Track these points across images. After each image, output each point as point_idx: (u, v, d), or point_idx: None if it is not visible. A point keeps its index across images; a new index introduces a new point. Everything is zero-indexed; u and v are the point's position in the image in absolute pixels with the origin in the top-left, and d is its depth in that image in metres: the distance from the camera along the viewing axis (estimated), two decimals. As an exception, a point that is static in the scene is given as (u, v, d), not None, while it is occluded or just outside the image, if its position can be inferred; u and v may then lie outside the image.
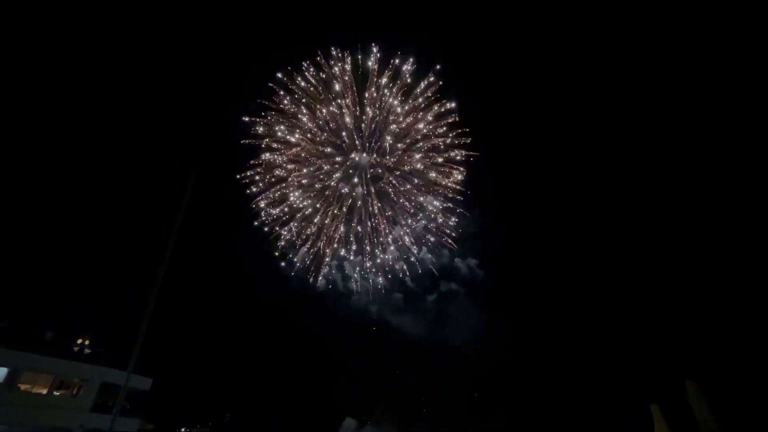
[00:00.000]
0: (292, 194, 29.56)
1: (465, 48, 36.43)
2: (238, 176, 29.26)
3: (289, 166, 30.08)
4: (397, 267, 31.25)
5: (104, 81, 27.67)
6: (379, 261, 30.93)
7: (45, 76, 26.49)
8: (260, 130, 30.00)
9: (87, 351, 25.09)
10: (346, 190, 30.38)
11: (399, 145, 30.81)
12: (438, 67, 31.95)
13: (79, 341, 25.19)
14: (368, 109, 30.80)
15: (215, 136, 28.31)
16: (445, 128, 31.44)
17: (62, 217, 25.07)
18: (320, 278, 29.01)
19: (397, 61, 30.88)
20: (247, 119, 29.78)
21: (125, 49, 27.94)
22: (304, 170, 29.95)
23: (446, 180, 31.38)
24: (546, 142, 34.32)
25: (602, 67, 32.25)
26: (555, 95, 35.16)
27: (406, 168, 31.28)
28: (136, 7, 28.17)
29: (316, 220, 29.77)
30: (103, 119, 26.91)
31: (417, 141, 31.22)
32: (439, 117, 31.43)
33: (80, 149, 25.91)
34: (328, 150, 30.30)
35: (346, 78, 31.06)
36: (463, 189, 31.66)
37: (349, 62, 31.03)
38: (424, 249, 31.37)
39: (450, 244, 31.40)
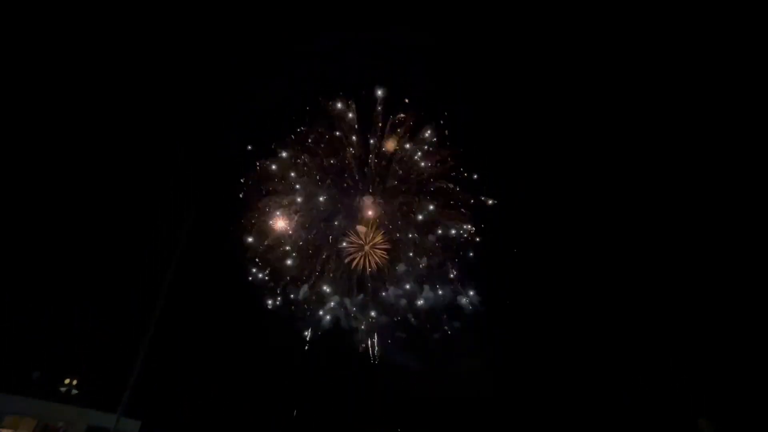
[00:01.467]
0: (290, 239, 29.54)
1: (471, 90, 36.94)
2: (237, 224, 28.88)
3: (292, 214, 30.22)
4: (400, 305, 30.84)
5: (111, 96, 27.94)
6: (382, 299, 30.64)
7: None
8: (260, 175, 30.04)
9: (74, 392, 24.11)
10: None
11: (403, 189, 31.32)
12: (446, 113, 32.80)
13: (67, 381, 24.23)
14: (372, 153, 31.37)
15: (215, 178, 28.23)
16: (450, 173, 32.03)
17: (52, 252, 24.68)
18: (323, 315, 28.62)
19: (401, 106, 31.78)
20: (243, 180, 29.64)
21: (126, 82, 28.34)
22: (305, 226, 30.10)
23: (455, 225, 31.62)
24: (551, 176, 34.42)
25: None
26: (556, 129, 35.47)
27: (412, 212, 31.56)
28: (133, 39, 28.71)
29: (318, 260, 29.70)
30: (99, 153, 26.95)
31: (422, 184, 31.71)
32: (443, 162, 32.03)
33: (70, 188, 25.83)
34: (331, 193, 30.57)
35: (350, 121, 31.75)
36: (471, 233, 31.77)
37: (354, 108, 31.82)
38: (426, 287, 31.09)
39: (457, 282, 31.28)
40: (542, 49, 34.27)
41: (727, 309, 28.46)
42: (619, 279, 30.13)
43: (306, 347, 26.87)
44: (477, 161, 34.35)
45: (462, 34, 35.23)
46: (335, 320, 29.15)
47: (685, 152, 31.06)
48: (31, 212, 25.37)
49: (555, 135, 34.49)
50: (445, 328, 30.61)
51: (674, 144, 31.58)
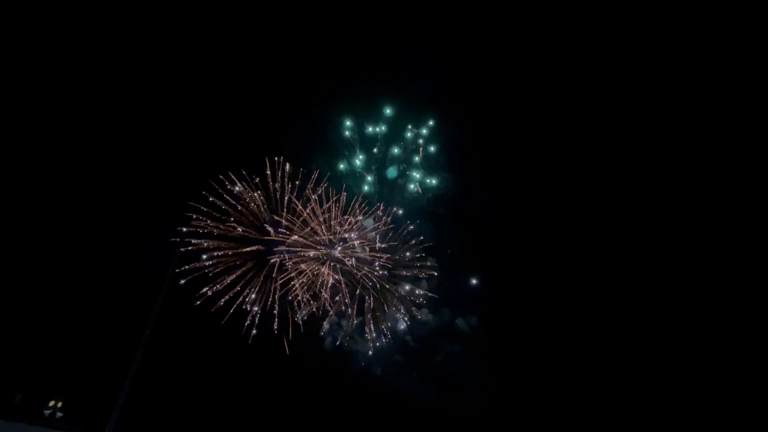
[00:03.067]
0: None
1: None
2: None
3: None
4: (399, 329, 30.18)
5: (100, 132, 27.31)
6: (380, 325, 29.95)
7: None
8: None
9: (59, 414, 23.26)
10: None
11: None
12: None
13: (52, 404, 23.35)
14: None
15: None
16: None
17: (37, 269, 23.94)
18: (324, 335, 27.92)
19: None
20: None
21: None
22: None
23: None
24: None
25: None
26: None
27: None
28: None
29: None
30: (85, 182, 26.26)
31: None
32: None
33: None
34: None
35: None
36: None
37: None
38: (425, 310, 30.46)
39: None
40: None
41: (727, 317, 28.27)
42: (623, 299, 29.84)
43: (303, 370, 26.22)
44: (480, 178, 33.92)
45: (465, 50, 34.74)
46: (334, 342, 28.53)
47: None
48: (13, 225, 24.59)
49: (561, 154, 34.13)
50: (445, 351, 30.08)
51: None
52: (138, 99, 28.13)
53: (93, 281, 23.98)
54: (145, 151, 26.84)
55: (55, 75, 26.64)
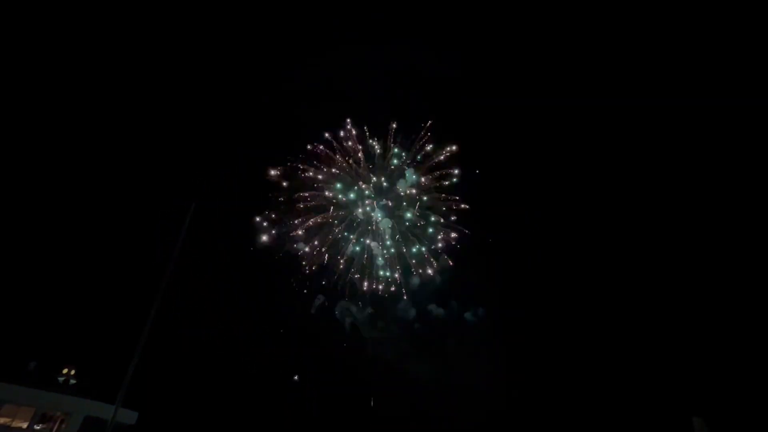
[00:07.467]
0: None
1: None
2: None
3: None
4: (410, 316, 31.06)
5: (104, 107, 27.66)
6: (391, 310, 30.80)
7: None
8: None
9: (72, 382, 24.01)
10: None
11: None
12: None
13: (65, 371, 24.11)
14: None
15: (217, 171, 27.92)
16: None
17: (51, 243, 24.53)
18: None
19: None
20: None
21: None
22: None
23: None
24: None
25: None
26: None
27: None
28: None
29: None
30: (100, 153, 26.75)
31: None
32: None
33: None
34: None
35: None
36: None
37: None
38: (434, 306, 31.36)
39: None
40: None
41: (720, 309, 28.66)
42: (615, 279, 30.31)
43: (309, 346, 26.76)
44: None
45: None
46: (351, 327, 29.26)
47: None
48: (27, 202, 25.21)
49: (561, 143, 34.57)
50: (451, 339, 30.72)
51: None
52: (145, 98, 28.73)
53: (107, 252, 24.62)
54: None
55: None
